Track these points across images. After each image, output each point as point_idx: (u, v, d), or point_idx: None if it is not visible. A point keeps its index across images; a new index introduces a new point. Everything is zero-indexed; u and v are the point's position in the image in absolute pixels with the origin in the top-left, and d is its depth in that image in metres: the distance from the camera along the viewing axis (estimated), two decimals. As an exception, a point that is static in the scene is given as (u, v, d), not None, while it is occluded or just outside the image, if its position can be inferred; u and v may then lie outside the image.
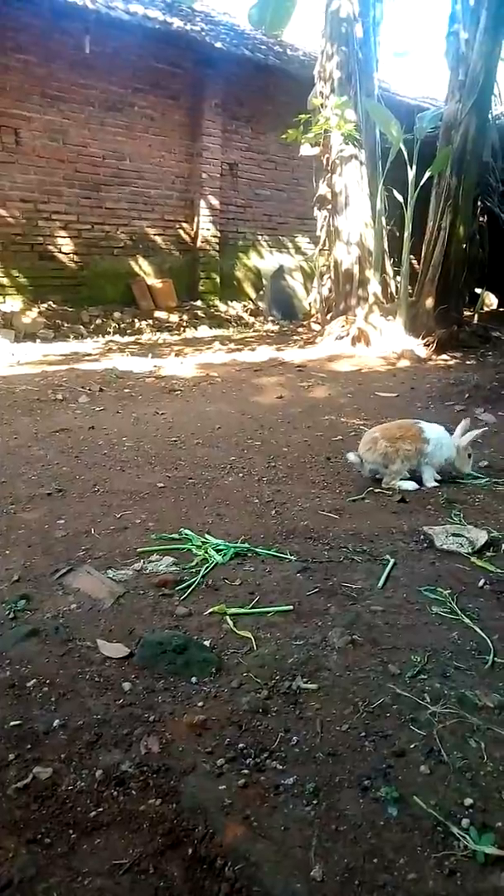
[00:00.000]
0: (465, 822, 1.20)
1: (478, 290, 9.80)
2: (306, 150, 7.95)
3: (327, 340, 7.68)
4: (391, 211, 8.20)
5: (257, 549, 2.39)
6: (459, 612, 1.94)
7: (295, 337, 8.71)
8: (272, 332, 9.57)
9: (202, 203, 10.37)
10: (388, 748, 1.39)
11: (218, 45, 9.51)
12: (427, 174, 7.23)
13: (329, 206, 8.05)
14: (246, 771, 1.34)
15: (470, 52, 7.15)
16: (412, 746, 1.39)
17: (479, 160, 7.52)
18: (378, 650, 1.74)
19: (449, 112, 7.45)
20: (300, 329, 9.49)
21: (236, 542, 2.44)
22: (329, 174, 7.92)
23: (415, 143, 7.26)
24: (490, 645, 1.76)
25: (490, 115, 7.75)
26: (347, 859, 1.14)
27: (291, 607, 1.97)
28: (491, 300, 11.95)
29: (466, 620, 1.89)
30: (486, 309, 11.12)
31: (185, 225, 10.49)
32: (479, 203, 7.91)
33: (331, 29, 7.69)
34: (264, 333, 9.37)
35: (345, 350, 7.16)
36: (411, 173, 7.23)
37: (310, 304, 9.67)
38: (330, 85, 7.73)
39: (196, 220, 10.44)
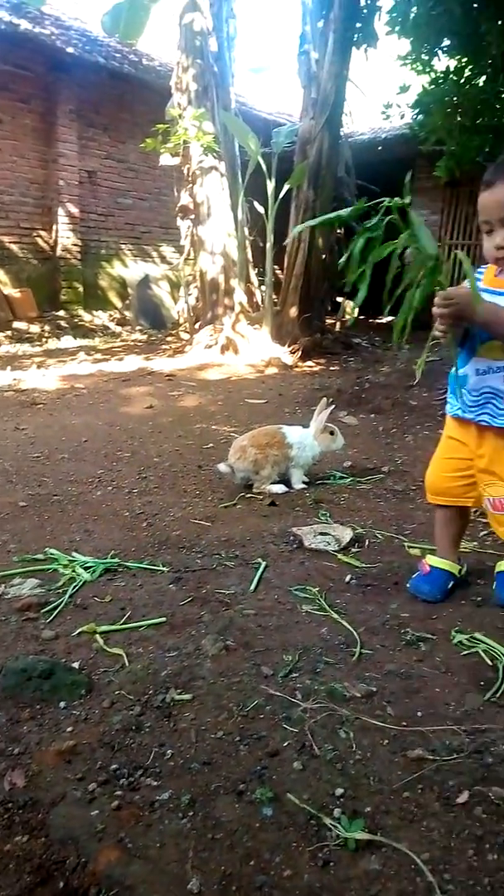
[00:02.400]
0: (336, 811, 1.23)
1: (339, 299, 10.26)
2: (166, 159, 7.96)
3: (196, 349, 7.71)
4: (253, 222, 8.39)
5: (128, 563, 2.34)
6: (328, 608, 2.00)
7: (164, 346, 8.66)
8: (140, 341, 9.46)
9: (60, 211, 10.08)
10: (263, 749, 1.40)
11: (70, 50, 9.32)
12: (286, 187, 7.48)
13: (192, 216, 8.10)
14: (119, 792, 1.29)
15: (321, 71, 7.49)
16: (285, 745, 1.41)
17: (334, 175, 7.88)
18: (251, 653, 1.75)
19: (304, 128, 7.75)
20: (169, 338, 9.45)
21: (105, 558, 2.37)
22: (190, 184, 7.98)
23: (273, 156, 7.49)
24: (357, 637, 1.83)
25: (342, 133, 8.15)
26: (224, 866, 1.14)
27: (164, 619, 1.94)
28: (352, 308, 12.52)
29: (335, 616, 1.96)
30: (347, 317, 11.64)
31: (42, 233, 10.14)
32: (335, 216, 8.33)
33: (185, 41, 7.77)
34: (132, 343, 9.24)
35: (214, 359, 7.22)
36: (270, 186, 7.44)
37: (178, 313, 9.67)
38: (187, 96, 7.80)
39: (55, 227, 10.13)
